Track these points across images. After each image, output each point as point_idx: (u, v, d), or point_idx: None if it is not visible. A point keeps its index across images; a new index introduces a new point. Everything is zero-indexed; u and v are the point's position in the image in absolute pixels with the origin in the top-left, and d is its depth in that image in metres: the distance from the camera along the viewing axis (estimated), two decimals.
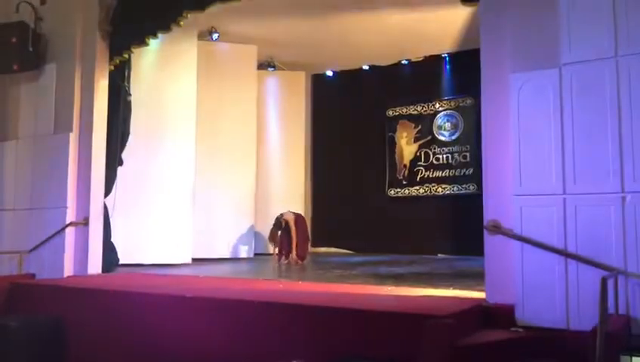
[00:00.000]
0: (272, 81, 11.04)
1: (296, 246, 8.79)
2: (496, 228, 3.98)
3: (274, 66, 10.97)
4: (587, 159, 3.75)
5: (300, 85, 11.25)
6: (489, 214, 4.12)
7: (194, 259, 8.42)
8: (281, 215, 8.97)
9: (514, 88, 4.01)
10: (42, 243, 6.48)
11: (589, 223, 3.69)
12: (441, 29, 9.04)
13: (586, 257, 3.62)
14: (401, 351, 3.40)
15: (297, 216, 9.11)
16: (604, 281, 3.09)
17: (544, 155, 3.88)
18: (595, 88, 3.77)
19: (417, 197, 10.62)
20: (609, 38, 3.76)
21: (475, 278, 5.61)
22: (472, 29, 8.51)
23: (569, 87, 3.85)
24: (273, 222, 8.95)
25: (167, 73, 8.50)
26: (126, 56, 6.87)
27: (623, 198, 3.60)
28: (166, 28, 6.42)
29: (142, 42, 6.62)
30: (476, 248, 7.57)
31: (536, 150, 3.91)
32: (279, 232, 8.82)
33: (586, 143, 3.75)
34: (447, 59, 10.38)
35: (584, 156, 3.76)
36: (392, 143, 10.99)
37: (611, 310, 3.36)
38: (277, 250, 8.88)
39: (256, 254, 9.70)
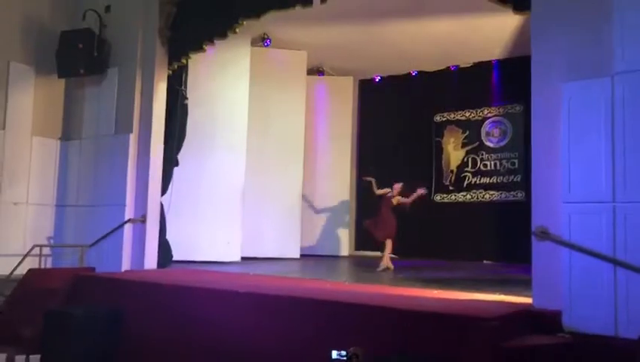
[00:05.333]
0: (321, 86, 11.20)
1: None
2: (545, 234, 4.01)
3: (323, 72, 11.14)
4: (638, 167, 3.74)
5: (347, 90, 11.38)
6: (537, 220, 4.16)
7: (243, 258, 8.66)
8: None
9: (565, 97, 4.04)
10: (102, 238, 6.84)
11: (638, 231, 3.69)
12: (490, 36, 9.00)
13: (635, 265, 3.62)
14: (447, 352, 3.49)
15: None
16: None
17: (594, 163, 3.89)
18: None
19: (464, 203, 10.58)
20: None
21: (522, 285, 5.61)
22: (521, 36, 8.46)
23: (621, 95, 3.85)
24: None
25: (222, 78, 8.79)
26: (184, 61, 7.17)
27: None
28: (222, 35, 6.68)
29: (199, 48, 6.91)
30: (523, 255, 7.53)
31: (586, 158, 3.93)
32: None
33: (637, 151, 3.75)
34: (497, 65, 10.30)
35: (635, 164, 3.76)
36: (439, 149, 10.98)
37: None
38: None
39: (302, 255, 9.87)
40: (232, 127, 8.82)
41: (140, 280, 5.80)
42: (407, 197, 8.25)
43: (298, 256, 9.72)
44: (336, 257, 10.52)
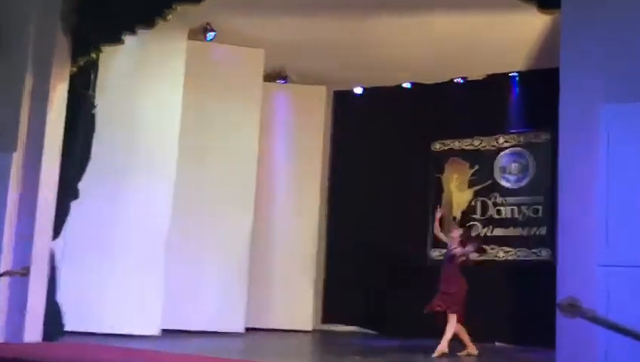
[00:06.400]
0: (282, 97, 11.24)
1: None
2: (574, 308, 4.01)
3: (285, 78, 11.21)
4: None
5: (318, 104, 11.44)
6: (564, 289, 4.19)
7: (164, 331, 8.50)
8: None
9: (604, 123, 4.14)
10: None
11: None
12: (509, 41, 9.20)
13: None
14: None
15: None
16: None
17: None
18: None
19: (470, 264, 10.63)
20: None
21: None
22: (551, 42, 8.70)
23: None
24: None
25: (146, 80, 8.78)
26: (94, 56, 7.16)
27: None
28: (149, 23, 6.71)
29: (116, 39, 6.92)
30: (548, 336, 7.60)
31: (631, 204, 4.00)
32: None
33: None
34: (517, 79, 10.53)
35: None
36: (439, 187, 11.08)
37: None
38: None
39: (249, 329, 9.74)
40: (158, 147, 8.77)
41: (16, 357, 5.63)
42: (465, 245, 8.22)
43: (242, 329, 9.57)
44: (296, 332, 10.41)
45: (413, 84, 11.26)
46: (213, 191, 9.63)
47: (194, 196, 9.36)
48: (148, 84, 8.81)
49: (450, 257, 8.20)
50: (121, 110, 8.41)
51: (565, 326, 4.18)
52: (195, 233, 9.38)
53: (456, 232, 8.42)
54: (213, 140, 9.70)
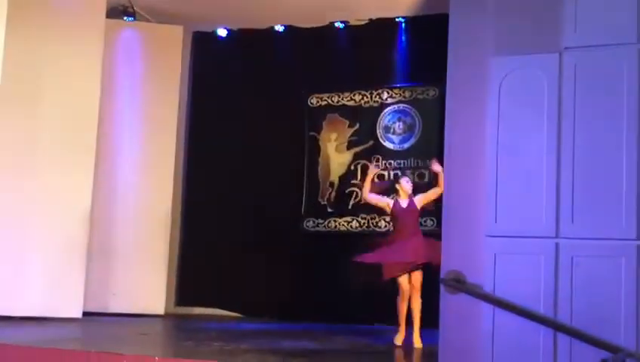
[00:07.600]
0: (130, 38, 10.98)
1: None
2: (459, 284, 4.22)
3: (133, 15, 10.97)
4: (595, 186, 4.10)
5: (174, 47, 11.22)
6: (449, 262, 4.38)
7: None
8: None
9: (495, 78, 4.33)
10: None
11: (590, 281, 4.03)
12: None
13: (582, 331, 3.92)
14: None
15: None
16: None
17: (532, 179, 4.20)
18: (611, 84, 4.14)
19: (348, 235, 10.84)
20: (632, 18, 4.15)
21: (427, 359, 5.85)
22: None
23: (572, 79, 4.21)
24: None
25: None
26: None
27: None
28: None
29: None
30: (433, 315, 7.93)
31: (520, 171, 4.22)
32: None
33: (595, 163, 4.11)
34: (404, 26, 10.74)
35: (591, 181, 4.11)
36: (314, 148, 11.19)
37: None
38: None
39: (87, 313, 9.57)
40: None
41: None
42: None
43: (79, 314, 9.41)
44: (146, 317, 10.32)
45: (286, 27, 11.30)
46: (45, 149, 9.34)
47: (20, 155, 9.06)
48: None
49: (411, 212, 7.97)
50: None
51: (449, 303, 4.38)
52: (21, 198, 9.10)
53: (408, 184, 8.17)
54: (44, 89, 9.37)
